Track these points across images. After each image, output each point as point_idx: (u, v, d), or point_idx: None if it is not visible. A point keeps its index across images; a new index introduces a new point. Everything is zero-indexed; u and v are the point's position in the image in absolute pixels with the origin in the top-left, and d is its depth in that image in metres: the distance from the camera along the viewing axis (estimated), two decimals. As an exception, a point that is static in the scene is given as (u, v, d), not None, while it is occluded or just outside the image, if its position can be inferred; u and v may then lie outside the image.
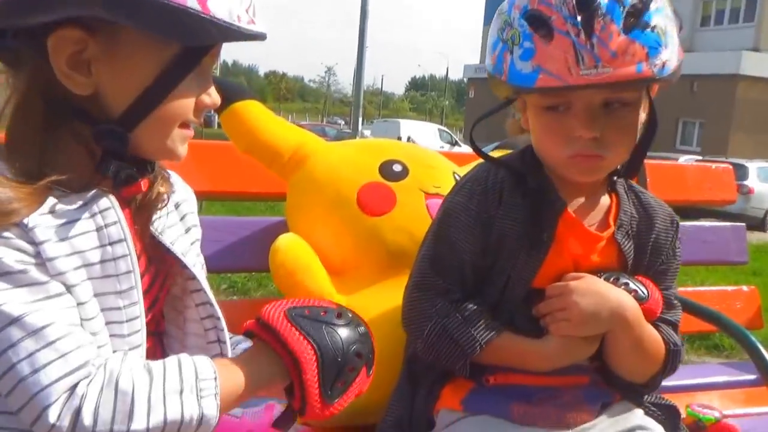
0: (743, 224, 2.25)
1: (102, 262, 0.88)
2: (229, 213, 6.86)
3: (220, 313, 1.03)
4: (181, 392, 0.85)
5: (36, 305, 0.81)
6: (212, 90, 0.95)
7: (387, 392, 1.32)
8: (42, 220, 0.83)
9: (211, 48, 0.91)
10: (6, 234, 0.80)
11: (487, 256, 1.23)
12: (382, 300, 1.44)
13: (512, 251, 1.21)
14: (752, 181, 14.18)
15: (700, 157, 17.54)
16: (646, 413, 1.29)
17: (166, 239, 0.98)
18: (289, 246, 1.48)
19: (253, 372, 0.93)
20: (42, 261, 0.82)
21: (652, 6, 1.10)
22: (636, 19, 1.08)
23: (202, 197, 1.91)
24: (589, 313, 1.17)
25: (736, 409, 1.83)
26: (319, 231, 1.55)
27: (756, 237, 11.53)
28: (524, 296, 1.23)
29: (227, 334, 1.05)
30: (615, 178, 1.28)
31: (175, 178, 1.05)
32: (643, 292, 1.22)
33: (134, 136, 0.89)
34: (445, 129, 26.02)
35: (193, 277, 1.01)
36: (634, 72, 1.09)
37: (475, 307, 1.21)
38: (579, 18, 1.08)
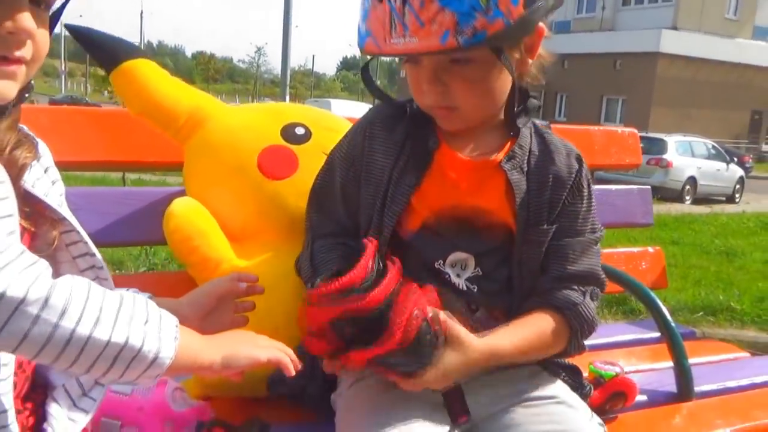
0: (649, 187, 2.29)
1: None
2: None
3: (102, 263, 1.01)
4: (146, 322, 0.83)
5: None
6: (18, 15, 0.85)
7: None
8: None
9: None
10: None
11: (360, 185, 1.28)
12: (283, 266, 1.40)
13: (380, 183, 1.25)
14: (671, 155, 14.69)
15: (622, 133, 18.01)
16: (549, 372, 1.30)
17: (38, 192, 0.94)
18: (184, 210, 1.42)
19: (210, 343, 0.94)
20: None
21: None
22: None
23: (97, 167, 1.83)
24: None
25: (639, 365, 1.89)
26: (218, 196, 1.50)
27: (675, 208, 11.95)
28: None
29: (111, 283, 1.03)
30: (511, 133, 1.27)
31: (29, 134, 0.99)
32: None
33: None
34: (377, 108, 25.79)
35: (71, 229, 0.98)
36: (438, 44, 1.06)
37: (323, 244, 1.30)
38: None
